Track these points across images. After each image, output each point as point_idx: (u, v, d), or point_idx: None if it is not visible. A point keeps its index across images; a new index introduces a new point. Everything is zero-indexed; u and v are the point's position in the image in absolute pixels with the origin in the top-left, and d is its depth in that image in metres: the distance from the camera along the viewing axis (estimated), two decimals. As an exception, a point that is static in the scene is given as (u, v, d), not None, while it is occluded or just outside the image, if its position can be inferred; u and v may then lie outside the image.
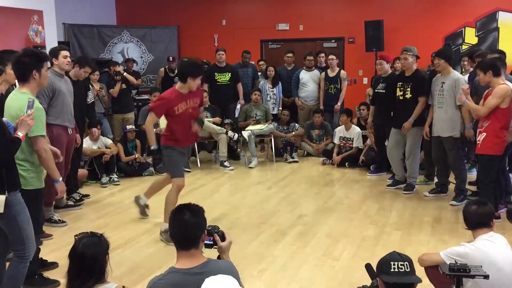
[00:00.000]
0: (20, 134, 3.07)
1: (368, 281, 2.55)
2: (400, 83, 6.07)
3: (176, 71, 9.23)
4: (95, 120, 6.83)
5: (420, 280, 2.25)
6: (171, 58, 9.41)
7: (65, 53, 5.11)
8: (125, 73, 8.01)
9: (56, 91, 4.89)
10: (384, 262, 2.25)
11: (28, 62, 3.36)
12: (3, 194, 2.96)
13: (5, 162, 2.99)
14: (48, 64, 4.03)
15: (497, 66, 4.84)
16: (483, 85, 5.10)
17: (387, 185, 6.47)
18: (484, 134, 4.80)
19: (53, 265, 4.02)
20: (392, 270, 2.20)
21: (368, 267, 2.57)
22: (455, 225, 4.89)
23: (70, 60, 5.22)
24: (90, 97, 6.33)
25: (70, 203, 5.73)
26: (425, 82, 5.93)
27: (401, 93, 6.04)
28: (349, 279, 3.76)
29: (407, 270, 2.20)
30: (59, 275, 3.72)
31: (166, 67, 9.45)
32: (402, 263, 2.21)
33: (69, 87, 5.18)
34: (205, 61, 9.18)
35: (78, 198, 5.88)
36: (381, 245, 4.45)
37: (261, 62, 9.39)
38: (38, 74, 3.38)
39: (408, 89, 5.97)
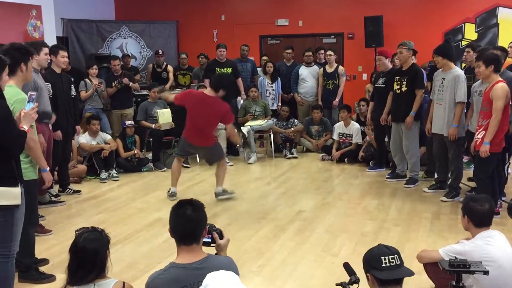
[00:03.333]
0: (25, 127, 3.06)
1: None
2: (397, 77, 6.22)
3: (163, 66, 9.23)
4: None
5: (413, 273, 2.23)
6: (160, 52, 9.30)
7: (47, 50, 5.13)
8: (130, 84, 7.85)
9: (39, 88, 4.82)
10: (374, 257, 2.23)
11: (16, 55, 3.43)
12: (17, 187, 2.96)
13: (16, 155, 3.01)
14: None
15: (500, 62, 4.81)
16: (479, 78, 5.08)
17: (387, 177, 6.56)
18: (483, 132, 4.78)
19: (44, 261, 3.99)
20: (383, 265, 2.18)
21: (346, 265, 2.56)
22: (454, 221, 4.88)
23: (67, 59, 5.57)
24: (74, 91, 6.09)
25: (54, 199, 5.69)
26: (421, 75, 6.15)
27: (398, 86, 6.19)
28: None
29: (397, 263, 2.19)
30: (58, 270, 3.72)
31: (154, 63, 9.40)
32: (392, 256, 2.20)
33: (43, 82, 5.10)
34: (203, 53, 9.19)
35: (54, 193, 5.80)
36: (380, 240, 4.44)
37: (264, 57, 9.36)
38: (25, 67, 3.48)
39: (404, 82, 6.09)
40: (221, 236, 2.48)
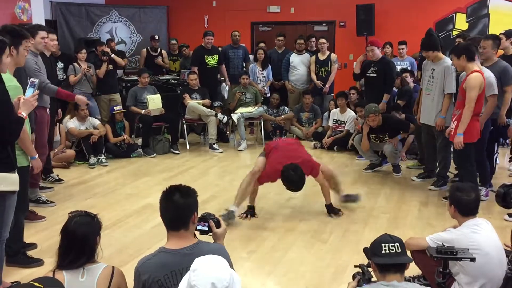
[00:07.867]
0: (23, 114, 3.00)
1: (354, 263, 2.59)
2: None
3: (159, 51, 9.16)
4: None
5: (411, 260, 2.29)
6: (156, 37, 9.30)
7: (43, 34, 4.96)
8: (113, 55, 7.89)
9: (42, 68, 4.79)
10: (376, 245, 2.29)
11: (6, 38, 3.27)
12: (14, 172, 2.94)
13: (12, 140, 2.98)
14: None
15: (470, 50, 4.76)
16: (459, 71, 5.08)
17: (364, 169, 6.56)
18: (456, 122, 4.79)
19: (32, 246, 3.98)
20: (383, 251, 2.24)
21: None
22: (442, 209, 4.93)
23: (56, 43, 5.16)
24: (60, 74, 5.99)
25: (42, 184, 5.59)
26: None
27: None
28: (337, 261, 3.80)
29: (397, 251, 2.24)
30: (46, 255, 3.71)
31: (149, 47, 9.37)
32: (393, 244, 2.25)
33: (43, 65, 5.01)
34: (184, 44, 9.18)
35: (57, 178, 5.80)
36: (368, 228, 4.49)
37: (261, 44, 9.26)
38: (15, 51, 3.35)
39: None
40: (218, 225, 2.48)
